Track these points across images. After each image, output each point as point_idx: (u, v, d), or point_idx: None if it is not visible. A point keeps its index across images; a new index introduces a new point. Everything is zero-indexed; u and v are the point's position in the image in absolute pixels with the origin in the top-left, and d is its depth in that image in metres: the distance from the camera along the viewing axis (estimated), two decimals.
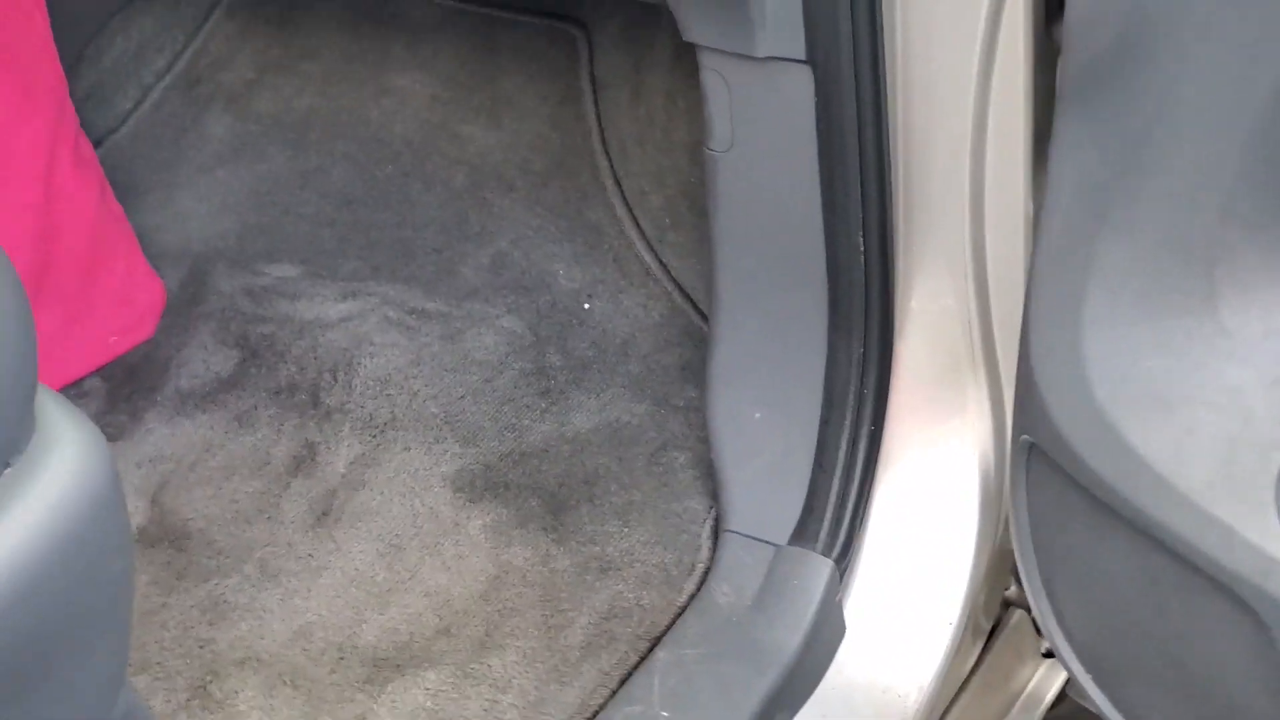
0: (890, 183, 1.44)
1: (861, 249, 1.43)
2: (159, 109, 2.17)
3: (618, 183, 1.98)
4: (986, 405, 1.60)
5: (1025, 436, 1.34)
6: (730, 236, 1.49)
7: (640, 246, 1.93)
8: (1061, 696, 1.85)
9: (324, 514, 1.70)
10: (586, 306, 1.89)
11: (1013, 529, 1.41)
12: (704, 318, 1.87)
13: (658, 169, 1.95)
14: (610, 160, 1.99)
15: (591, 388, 1.81)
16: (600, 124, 2.01)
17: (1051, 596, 1.39)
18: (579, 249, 1.95)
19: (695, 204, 1.89)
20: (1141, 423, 1.20)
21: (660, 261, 1.92)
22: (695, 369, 1.81)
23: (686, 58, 1.46)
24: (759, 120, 1.38)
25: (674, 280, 1.90)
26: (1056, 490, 1.32)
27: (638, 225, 1.95)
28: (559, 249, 1.95)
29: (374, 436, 1.75)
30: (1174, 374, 1.16)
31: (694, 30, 1.34)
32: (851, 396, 1.55)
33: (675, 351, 1.84)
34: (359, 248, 1.98)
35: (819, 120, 1.35)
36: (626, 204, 1.96)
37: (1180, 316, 1.16)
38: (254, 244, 2.01)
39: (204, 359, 1.86)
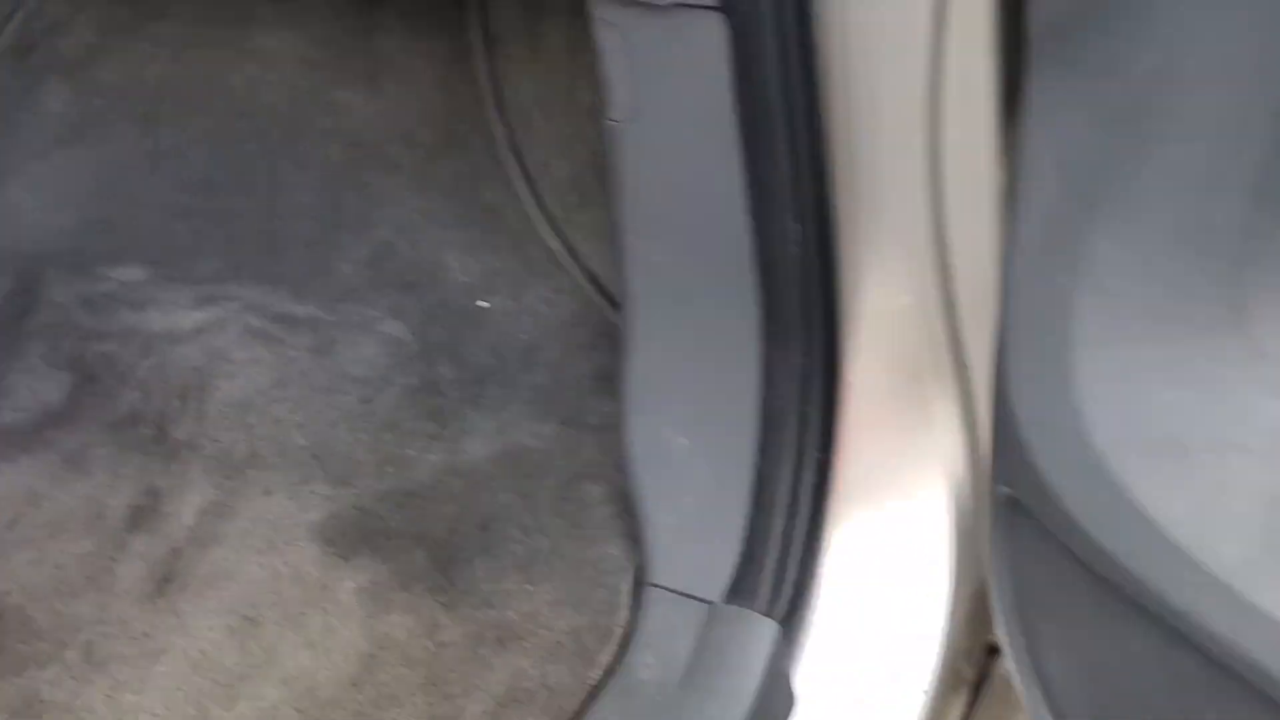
0: (827, 154, 1.25)
1: (797, 237, 1.26)
2: None
3: (517, 155, 1.78)
4: (956, 422, 1.39)
5: (1004, 487, 1.08)
6: (639, 224, 1.32)
7: (544, 230, 1.74)
8: None
9: (166, 580, 1.46)
10: (483, 305, 1.69)
11: (994, 597, 1.15)
12: None
13: (562, 137, 1.75)
14: (508, 128, 1.79)
15: (489, 406, 1.60)
16: (495, 86, 1.80)
17: (1045, 682, 1.13)
18: (474, 236, 1.75)
19: (605, 178, 1.61)
20: (1154, 476, 0.98)
21: (568, 246, 1.72)
22: (612, 377, 1.54)
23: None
24: (666, 82, 1.22)
25: (584, 269, 1.71)
26: (1047, 558, 1.08)
27: (541, 205, 1.75)
28: (450, 236, 1.75)
29: (229, 478, 1.54)
30: (1195, 411, 0.97)
31: None
32: (793, 418, 1.35)
33: (588, 357, 1.64)
34: (218, 243, 1.78)
35: (737, 79, 1.18)
36: (528, 180, 1.77)
37: (1200, 334, 0.97)
38: (95, 242, 1.80)
39: (30, 386, 1.65)
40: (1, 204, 1.85)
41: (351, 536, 1.48)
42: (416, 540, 1.47)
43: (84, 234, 1.81)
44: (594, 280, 1.69)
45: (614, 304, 1.66)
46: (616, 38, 1.20)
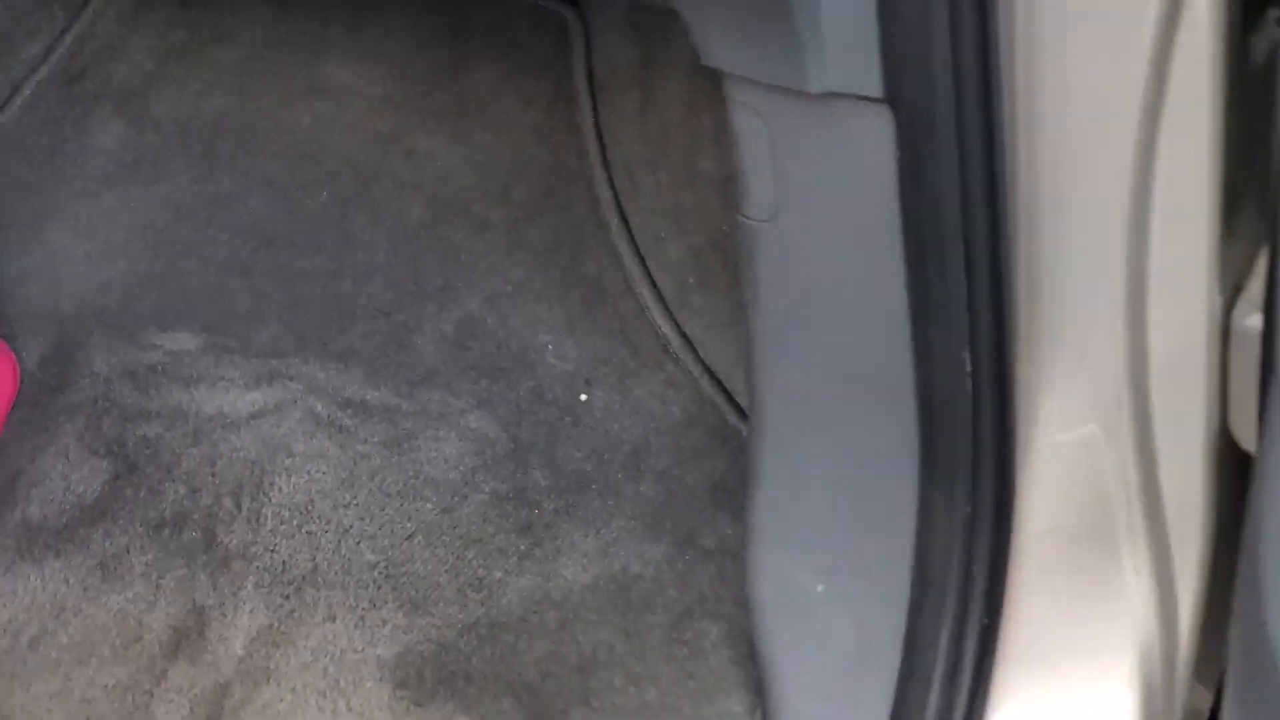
0: (1010, 272, 1.09)
1: (968, 367, 1.10)
2: (30, 111, 1.82)
3: (625, 222, 1.61)
4: (1149, 584, 1.19)
5: None
6: (777, 336, 1.16)
7: (656, 313, 1.57)
8: None
9: None
10: (584, 398, 1.52)
11: None
12: (743, 415, 1.49)
13: (678, 207, 1.57)
14: (615, 191, 1.64)
15: (589, 520, 1.43)
16: (601, 141, 1.66)
17: None
18: (573, 314, 1.58)
19: (730, 256, 1.52)
20: None
21: (682, 334, 1.56)
22: (731, 490, 1.44)
23: None
24: (815, 180, 1.08)
25: (701, 361, 1.54)
26: None
27: (652, 282, 1.59)
28: (546, 313, 1.59)
29: (287, 598, 1.37)
30: None
31: (718, 53, 1.04)
32: (955, 575, 1.17)
33: (703, 465, 1.46)
34: (281, 308, 1.61)
35: (903, 183, 1.03)
36: (637, 252, 1.60)
37: None
38: (143, 301, 1.63)
39: (64, 474, 1.48)
40: (43, 251, 1.68)
41: (428, 678, 1.31)
42: (504, 685, 1.31)
43: (131, 291, 1.64)
44: (711, 374, 1.53)
45: (734, 403, 1.50)
46: (757, 126, 1.05)
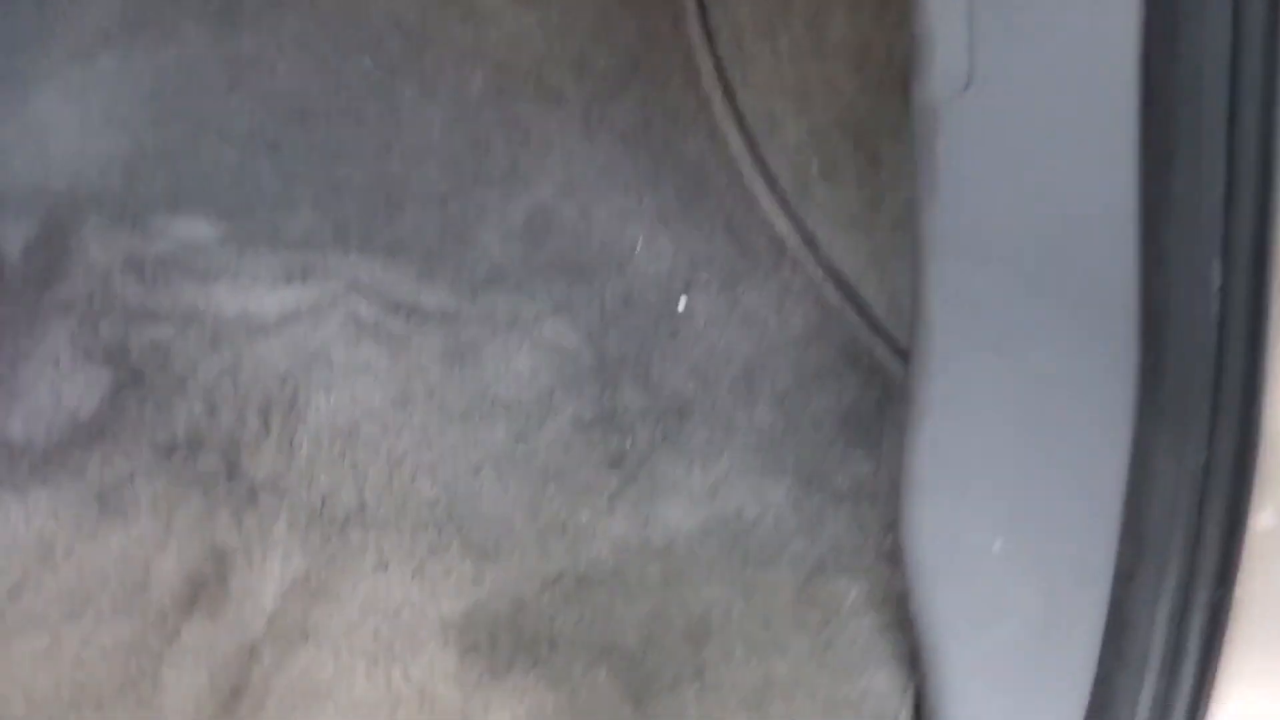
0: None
1: (1218, 281, 1.00)
2: None
3: (729, 98, 1.49)
4: None
5: None
6: (959, 240, 1.06)
7: (768, 206, 1.44)
8: None
9: (234, 695, 1.16)
10: (682, 305, 1.41)
11: None
12: (878, 331, 1.36)
13: (798, 81, 1.44)
14: (718, 61, 1.51)
15: (693, 452, 1.30)
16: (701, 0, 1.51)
17: None
18: (668, 205, 1.45)
19: (862, 141, 1.38)
20: None
21: (802, 232, 1.42)
22: (866, 420, 1.34)
23: None
24: (1025, 41, 1.00)
25: (825, 264, 1.41)
26: None
27: (765, 169, 1.46)
28: (636, 204, 1.45)
29: (327, 540, 1.25)
30: None
31: None
32: (1180, 536, 1.05)
33: (831, 389, 1.36)
34: (316, 192, 1.48)
35: (1149, 44, 0.96)
36: (746, 134, 1.47)
37: None
38: (149, 181, 1.48)
39: (53, 384, 1.34)
40: (29, 118, 1.53)
41: (503, 642, 1.18)
42: (597, 653, 1.18)
43: (135, 168, 1.49)
44: (838, 279, 1.41)
45: (866, 315, 1.38)
46: None
